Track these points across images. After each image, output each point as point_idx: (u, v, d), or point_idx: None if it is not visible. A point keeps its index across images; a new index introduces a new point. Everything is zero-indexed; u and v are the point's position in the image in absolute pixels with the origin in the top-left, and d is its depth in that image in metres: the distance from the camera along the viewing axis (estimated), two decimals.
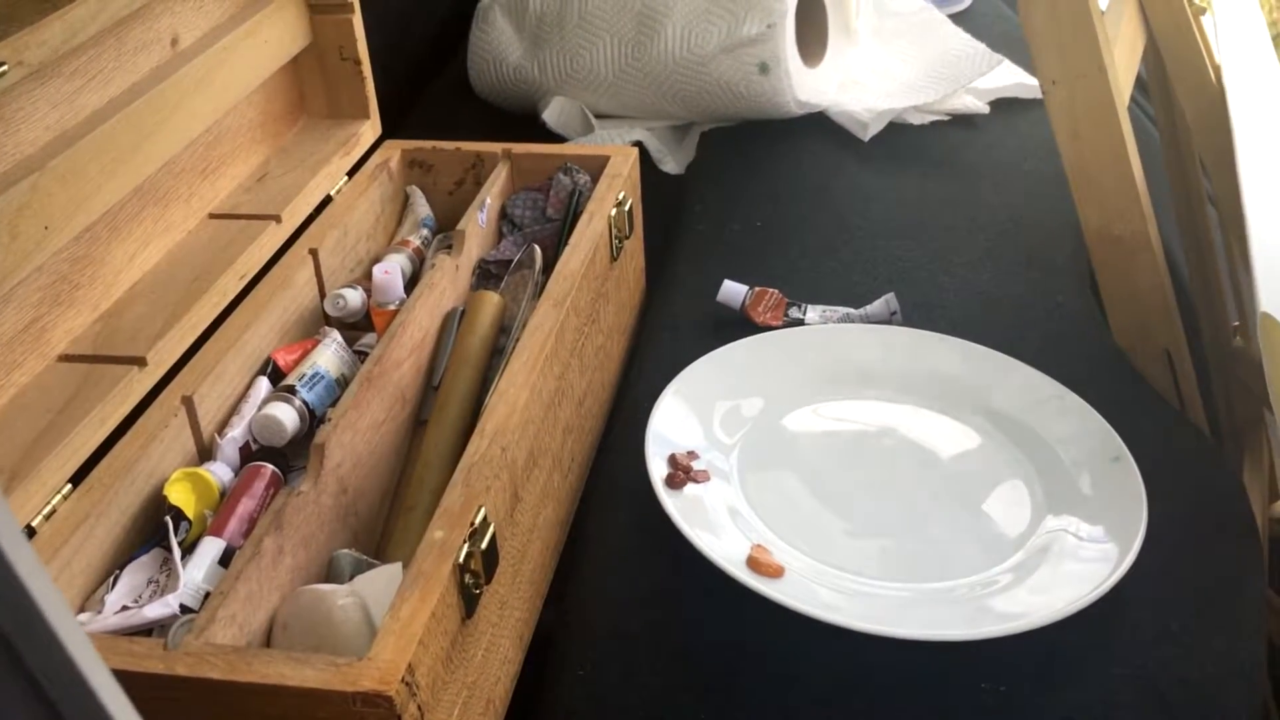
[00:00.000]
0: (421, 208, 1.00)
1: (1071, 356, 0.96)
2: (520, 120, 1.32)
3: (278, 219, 0.86)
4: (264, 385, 0.77)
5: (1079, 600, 0.70)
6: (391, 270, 0.84)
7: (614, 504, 0.82)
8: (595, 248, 0.86)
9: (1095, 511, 0.78)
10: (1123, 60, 1.01)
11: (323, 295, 0.87)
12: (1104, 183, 0.96)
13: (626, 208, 0.93)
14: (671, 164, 1.25)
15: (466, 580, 0.60)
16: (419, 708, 0.54)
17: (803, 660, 0.70)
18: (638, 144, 1.22)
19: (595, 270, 0.87)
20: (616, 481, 0.84)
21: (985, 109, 1.29)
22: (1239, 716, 0.67)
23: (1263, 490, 1.20)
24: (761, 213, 1.16)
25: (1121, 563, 0.72)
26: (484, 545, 0.61)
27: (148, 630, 0.61)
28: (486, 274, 0.93)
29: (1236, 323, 1.13)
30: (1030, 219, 1.14)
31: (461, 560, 0.59)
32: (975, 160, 1.24)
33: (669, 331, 0.99)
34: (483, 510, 0.62)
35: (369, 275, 0.88)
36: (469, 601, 0.60)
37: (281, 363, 0.80)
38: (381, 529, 0.76)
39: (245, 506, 0.68)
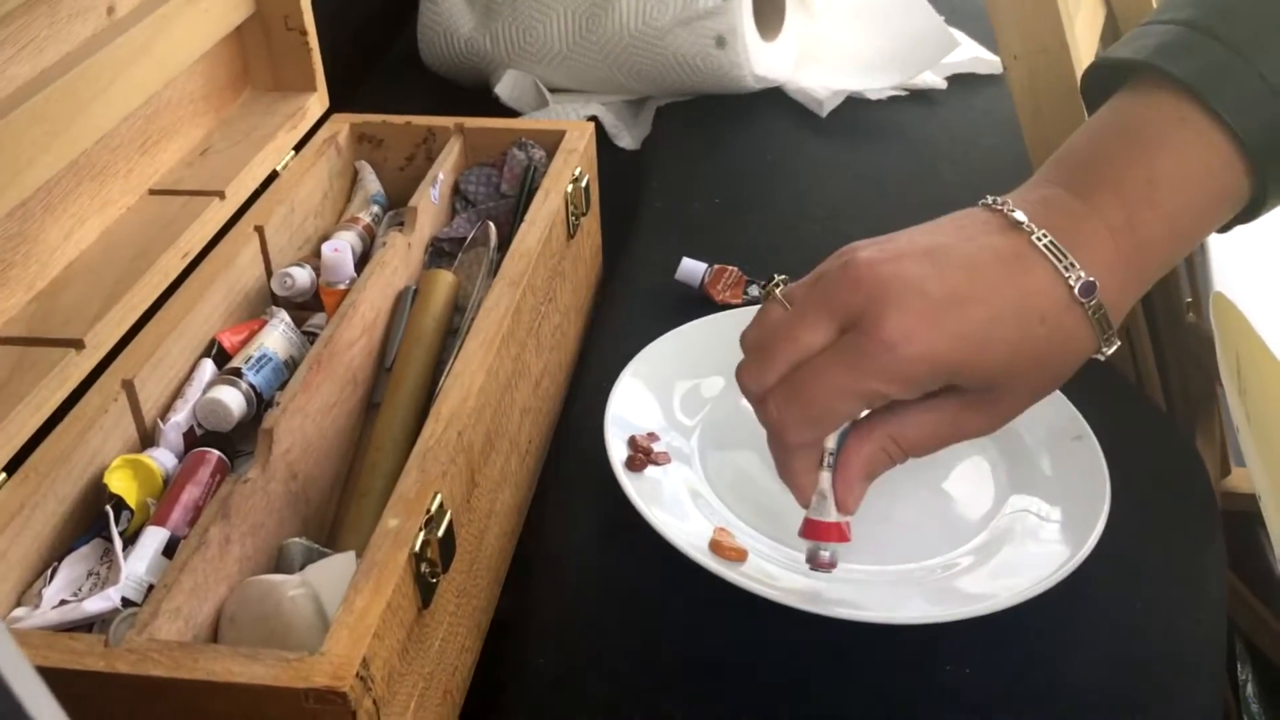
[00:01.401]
0: (371, 184, 0.97)
1: None
2: (473, 94, 1.29)
3: (221, 195, 0.83)
4: (209, 368, 0.74)
5: (1043, 581, 0.69)
6: (341, 248, 0.82)
7: (573, 488, 0.80)
8: (551, 225, 0.84)
9: (1058, 491, 0.77)
10: (1084, 36, 1.00)
11: (269, 274, 0.84)
12: None
13: (583, 184, 0.91)
14: (627, 139, 1.23)
15: (423, 569, 0.58)
16: (374, 702, 0.52)
17: (766, 644, 0.69)
18: (593, 119, 1.20)
19: (552, 248, 0.85)
20: (575, 465, 0.82)
21: (943, 84, 1.28)
22: (1205, 694, 0.67)
23: (1215, 465, 1.21)
24: (719, 189, 1.14)
25: (1085, 543, 0.72)
26: (441, 533, 0.59)
27: (88, 625, 0.59)
28: (440, 252, 0.91)
29: (1189, 299, 1.13)
30: (990, 195, 1.13)
31: (417, 549, 0.57)
32: (933, 136, 1.23)
33: (627, 310, 0.97)
34: (439, 497, 0.60)
35: (317, 253, 0.85)
36: (426, 591, 0.58)
37: (227, 344, 0.77)
38: (334, 516, 0.74)
39: (190, 494, 0.65)
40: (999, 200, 0.61)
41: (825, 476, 0.62)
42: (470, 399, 0.67)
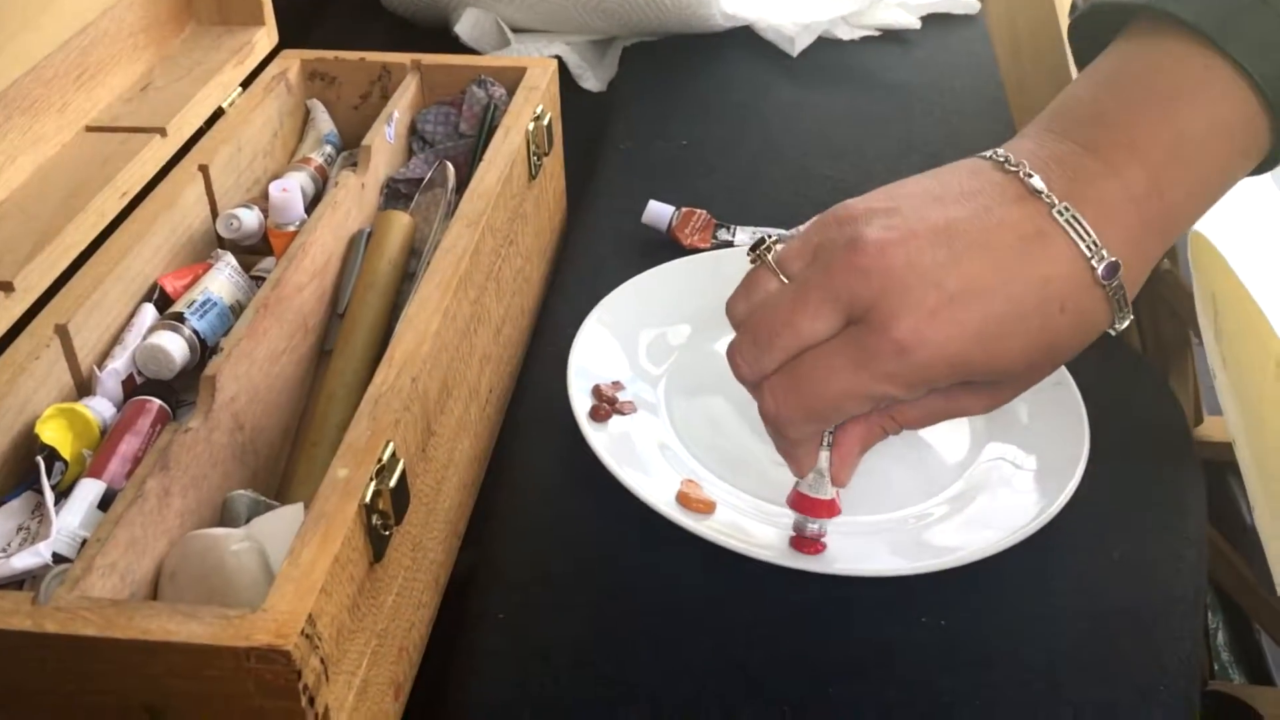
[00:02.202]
0: (324, 123, 0.93)
1: None
2: (432, 35, 1.24)
3: (162, 132, 0.79)
4: (149, 313, 0.70)
5: (1019, 531, 0.67)
6: (290, 188, 0.78)
7: (535, 438, 0.77)
8: (512, 165, 0.80)
9: (1035, 439, 0.75)
10: None
11: (215, 216, 0.80)
12: (1046, 102, 0.93)
13: (545, 122, 0.87)
14: (592, 81, 1.19)
15: (374, 521, 0.55)
16: (321, 661, 0.49)
17: (736, 598, 0.66)
18: (557, 59, 1.16)
19: (512, 189, 0.81)
20: (538, 414, 0.79)
21: (917, 24, 1.25)
22: (1183, 645, 0.65)
23: (1188, 414, 1.20)
24: (687, 131, 1.10)
25: (1062, 492, 0.70)
26: (393, 483, 0.56)
27: (19, 583, 0.55)
28: (395, 194, 0.87)
29: None
30: (964, 139, 1.11)
31: (368, 500, 0.54)
32: (907, 78, 1.20)
33: (591, 255, 0.94)
34: (391, 445, 0.57)
35: (266, 195, 0.81)
36: (377, 544, 0.55)
37: (170, 289, 0.73)
38: (283, 468, 0.70)
39: (128, 445, 0.62)
40: (1012, 160, 0.54)
41: (824, 455, 0.59)
42: (425, 344, 0.64)
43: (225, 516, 0.61)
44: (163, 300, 0.72)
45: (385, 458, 0.56)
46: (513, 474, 0.75)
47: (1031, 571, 0.68)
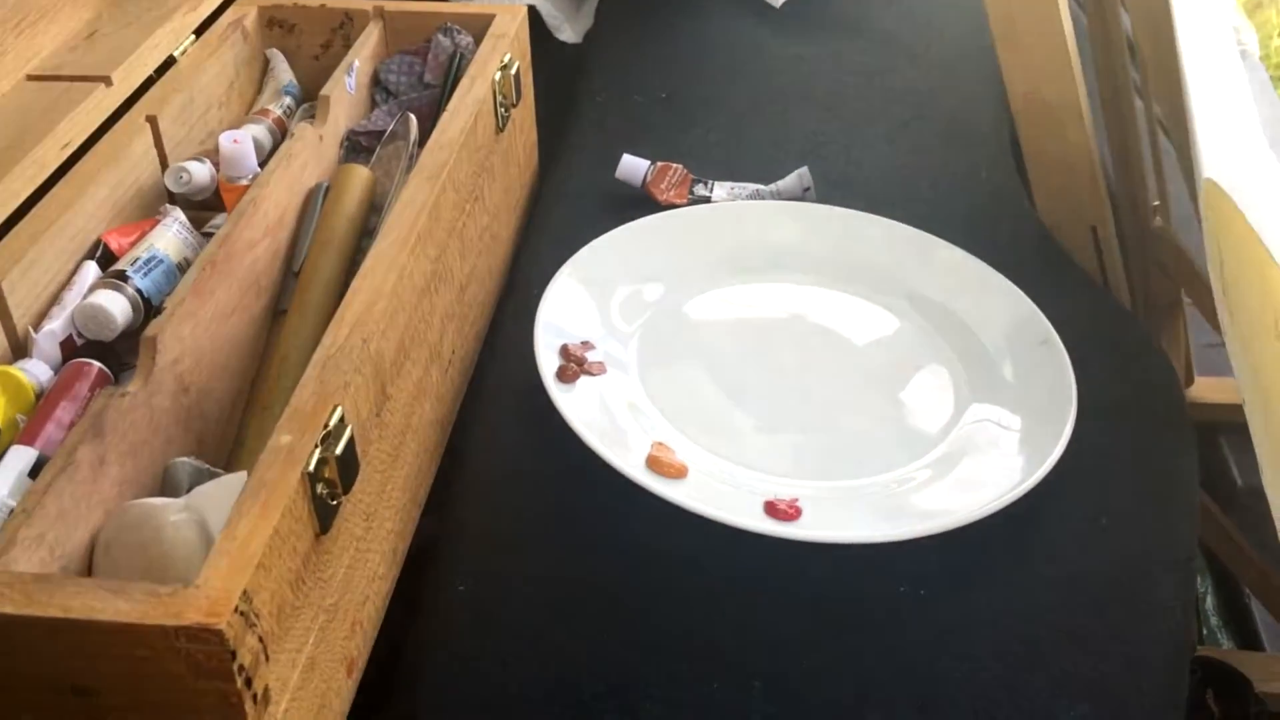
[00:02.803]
0: (283, 74, 0.89)
1: (995, 233, 0.90)
2: None
3: (108, 81, 0.75)
4: (91, 271, 0.67)
5: (1003, 496, 0.64)
6: (241, 139, 0.74)
7: (502, 401, 0.74)
8: (476, 116, 0.77)
9: (1021, 400, 0.72)
10: None
11: (165, 170, 0.76)
12: (1033, 46, 0.89)
13: (513, 71, 0.83)
14: (569, 32, 1.15)
15: (319, 491, 0.51)
16: (260, 639, 0.47)
17: (707, 567, 0.63)
18: (531, 9, 1.11)
19: (477, 141, 0.77)
20: (505, 376, 0.76)
21: None
22: (1171, 615, 0.62)
23: (1179, 374, 1.17)
24: (666, 84, 1.06)
25: (1049, 456, 0.67)
26: (339, 450, 0.53)
27: None
28: (356, 147, 0.83)
29: (1157, 202, 1.08)
30: (951, 90, 1.07)
31: (312, 468, 0.51)
32: (892, 28, 1.16)
33: (563, 212, 0.90)
34: (339, 410, 0.54)
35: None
36: (324, 515, 0.52)
37: (115, 246, 0.69)
38: (235, 433, 0.67)
39: (65, 410, 0.58)
40: None
41: None
42: (379, 303, 0.60)
43: (166, 485, 0.58)
44: (107, 258, 0.68)
45: (332, 423, 0.53)
46: (477, 439, 0.72)
47: (1015, 538, 0.66)
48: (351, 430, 0.54)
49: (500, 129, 0.83)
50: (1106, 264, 0.98)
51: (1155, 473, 0.71)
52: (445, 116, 0.75)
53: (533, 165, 0.95)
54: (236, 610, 0.45)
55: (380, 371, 0.60)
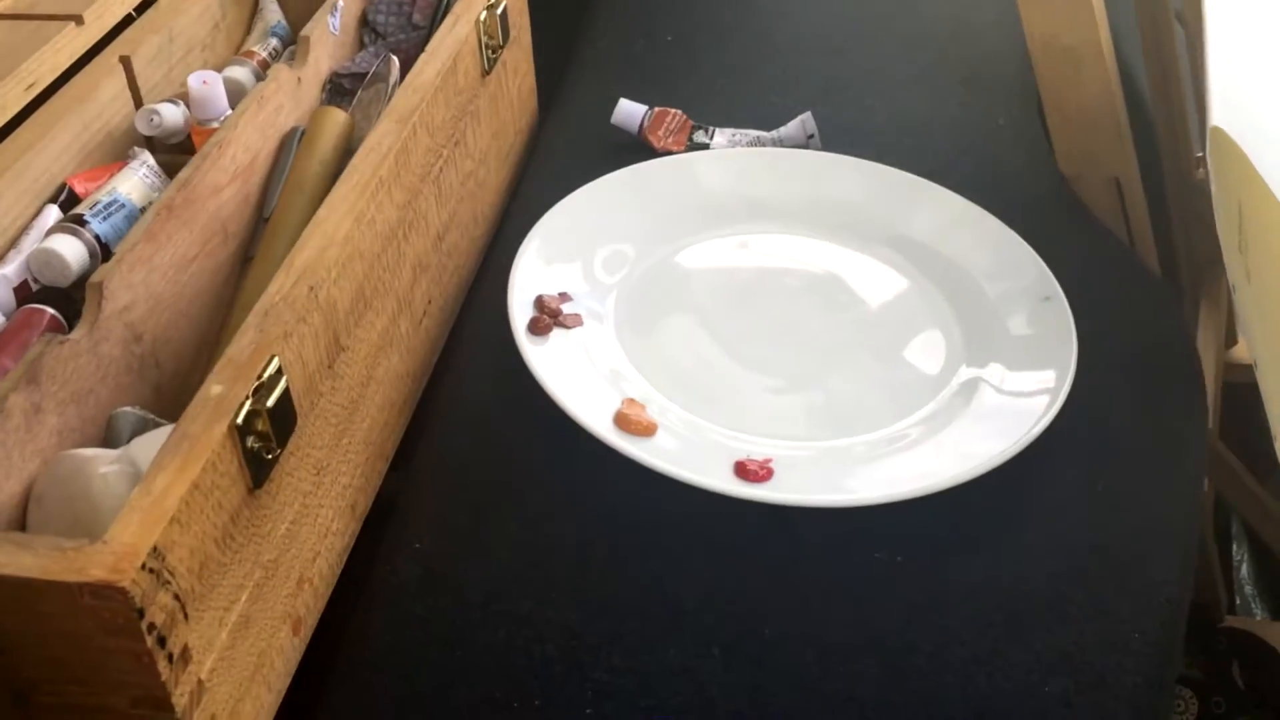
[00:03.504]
0: (272, 14, 0.87)
1: (1010, 185, 0.86)
2: None
3: (78, 20, 0.73)
4: (52, 215, 0.65)
5: (992, 459, 0.61)
6: (211, 80, 0.72)
7: (476, 354, 0.72)
8: (457, 57, 0.74)
9: (1019, 357, 0.68)
10: None
11: None
12: None
13: (500, 10, 0.80)
14: None
15: (250, 444, 0.50)
16: (177, 597, 0.45)
17: (673, 529, 0.61)
18: None
19: (458, 84, 0.74)
20: (482, 328, 0.73)
21: None
22: (1166, 589, 0.59)
23: (1219, 335, 1.12)
24: (672, 26, 1.03)
25: (1043, 416, 0.63)
26: (271, 403, 0.51)
27: None
28: (340, 90, 0.81)
29: (1200, 154, 1.02)
30: (971, 34, 1.02)
31: (241, 420, 0.49)
32: None
33: (556, 159, 0.87)
34: (275, 361, 0.52)
35: None
36: (257, 469, 0.50)
37: (80, 190, 0.68)
38: (196, 383, 0.65)
39: (10, 357, 0.57)
40: None
41: None
42: (331, 249, 0.58)
43: (108, 436, 0.56)
44: (71, 202, 0.67)
45: (266, 374, 0.51)
46: (449, 392, 0.70)
47: (1003, 504, 0.62)
48: (287, 382, 0.52)
49: (487, 71, 0.80)
50: (1131, 218, 0.93)
51: (1162, 439, 0.67)
52: (422, 58, 0.73)
53: (530, 110, 0.92)
54: (145, 567, 0.43)
55: (332, 321, 0.58)
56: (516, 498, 0.63)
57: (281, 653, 0.55)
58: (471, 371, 0.71)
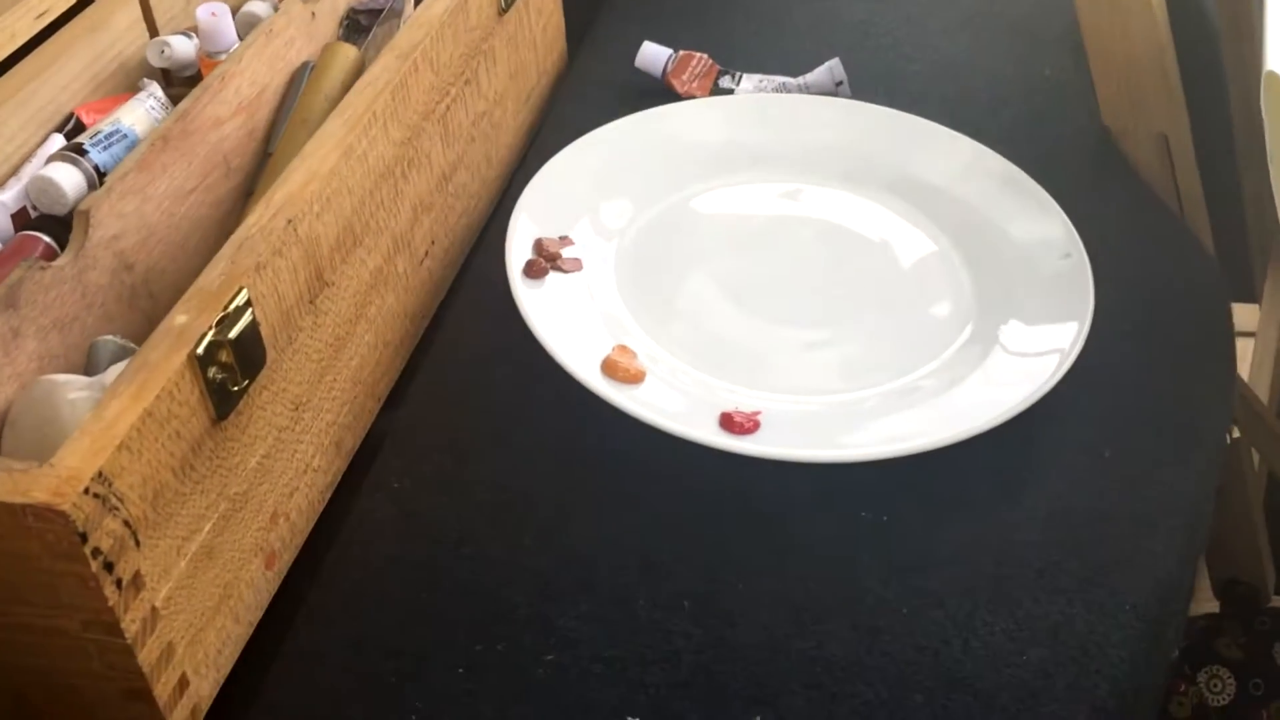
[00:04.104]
0: None
1: (1051, 139, 0.82)
2: None
3: None
4: (55, 144, 0.66)
5: (989, 421, 0.58)
6: (219, 12, 0.71)
7: (481, 297, 0.71)
8: None
9: (1031, 315, 0.65)
10: None
11: None
12: None
13: None
14: None
15: (212, 375, 0.49)
16: (127, 524, 0.45)
17: (661, 479, 0.60)
18: None
19: (469, 21, 0.73)
20: (485, 270, 0.73)
21: None
22: (1163, 563, 0.56)
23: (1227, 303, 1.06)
24: None
25: (1048, 380, 0.60)
26: (234, 334, 0.50)
27: None
28: (356, 25, 0.80)
29: None
30: None
31: (201, 351, 0.49)
32: None
33: (577, 102, 0.86)
34: (244, 293, 0.52)
35: None
36: (222, 400, 0.50)
37: (88, 120, 0.68)
38: None
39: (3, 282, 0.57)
40: None
41: None
42: (314, 184, 0.57)
43: (88, 364, 0.57)
44: (78, 132, 0.67)
45: (233, 306, 0.51)
46: (449, 333, 0.70)
47: (1001, 466, 0.60)
48: (254, 315, 0.52)
49: (504, 9, 0.78)
50: (1181, 179, 0.88)
51: (1179, 401, 0.64)
52: None
53: (557, 51, 0.90)
54: (88, 491, 0.43)
55: (314, 256, 0.57)
56: (502, 441, 0.62)
57: (251, 585, 0.55)
58: (472, 314, 0.70)
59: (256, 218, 0.55)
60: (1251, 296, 1.10)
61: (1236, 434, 0.99)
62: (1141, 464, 0.60)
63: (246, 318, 0.51)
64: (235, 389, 0.51)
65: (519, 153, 0.84)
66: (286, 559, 0.58)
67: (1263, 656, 1.05)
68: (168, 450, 0.47)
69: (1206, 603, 1.15)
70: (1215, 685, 1.05)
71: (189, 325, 0.50)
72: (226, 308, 0.51)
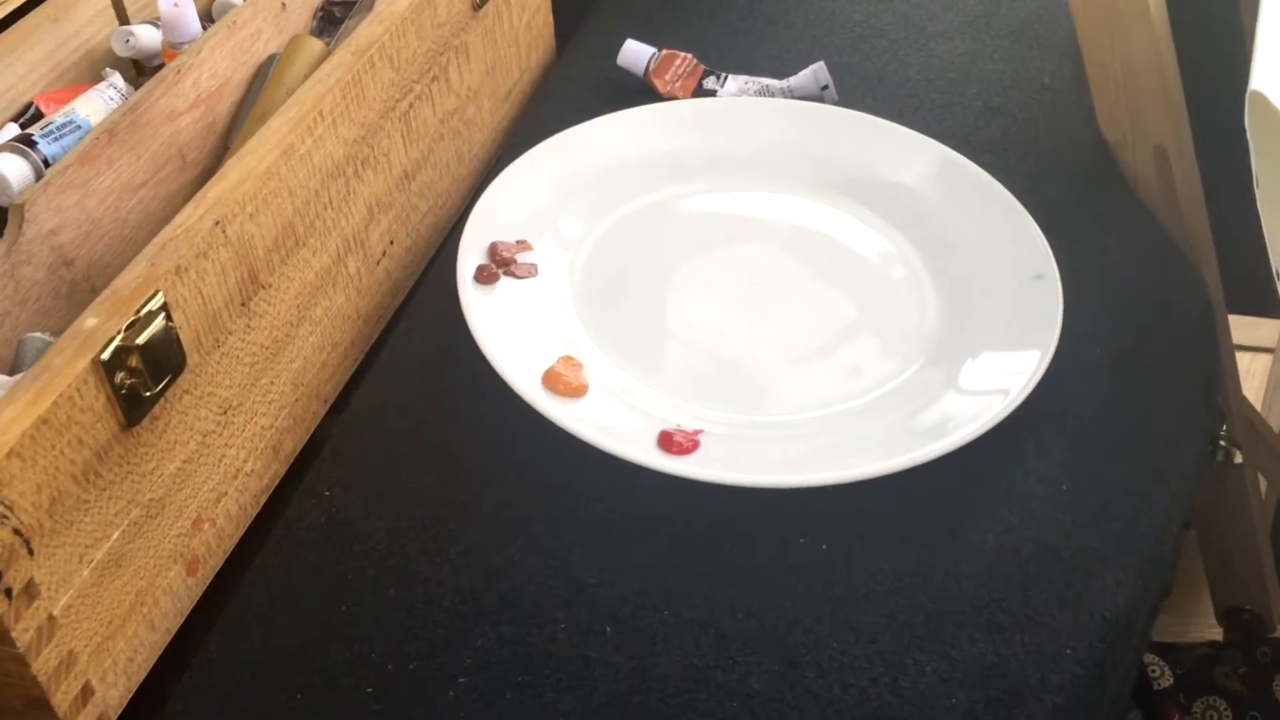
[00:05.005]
0: None
1: (1046, 150, 0.79)
2: None
3: None
4: (10, 133, 0.65)
5: (938, 448, 0.56)
6: (182, 3, 0.70)
7: (437, 300, 0.70)
8: None
9: (993, 341, 0.63)
10: None
11: None
12: None
13: None
14: None
15: (120, 380, 0.48)
16: (17, 531, 0.44)
17: (596, 498, 0.58)
18: None
19: (438, 17, 0.72)
20: (442, 273, 0.71)
21: None
22: (1111, 602, 0.54)
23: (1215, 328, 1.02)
24: None
25: (1001, 409, 0.58)
26: (143, 340, 0.49)
27: None
28: (331, 18, 0.79)
29: None
30: None
31: (107, 356, 0.48)
32: None
33: (553, 102, 0.84)
34: (160, 296, 0.50)
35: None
36: (132, 406, 0.49)
37: (47, 109, 0.67)
38: None
39: None
40: None
41: None
42: (248, 183, 0.56)
43: (15, 361, 0.56)
44: (34, 121, 0.67)
45: (146, 310, 0.50)
46: (402, 337, 0.68)
47: (952, 497, 0.58)
48: (168, 318, 0.51)
49: (479, 4, 0.76)
50: (1181, 194, 0.85)
51: (1147, 432, 0.61)
52: None
53: (544, 46, 0.88)
54: None
55: (247, 257, 0.56)
56: (438, 451, 0.61)
57: (170, 592, 0.54)
58: (428, 317, 0.69)
59: (184, 218, 0.54)
60: (1273, 310, 1.06)
61: (1239, 459, 0.96)
62: (1100, 498, 0.58)
63: (159, 322, 0.50)
64: (148, 394, 0.50)
65: (496, 150, 0.82)
66: (213, 564, 0.57)
67: (1263, 690, 1.01)
68: (67, 457, 0.46)
69: (1208, 629, 1.12)
70: (1211, 717, 1.02)
71: (97, 329, 0.48)
72: (139, 311, 0.49)
